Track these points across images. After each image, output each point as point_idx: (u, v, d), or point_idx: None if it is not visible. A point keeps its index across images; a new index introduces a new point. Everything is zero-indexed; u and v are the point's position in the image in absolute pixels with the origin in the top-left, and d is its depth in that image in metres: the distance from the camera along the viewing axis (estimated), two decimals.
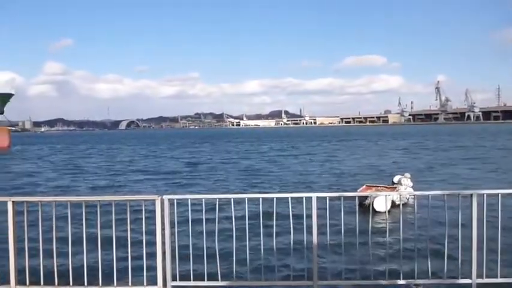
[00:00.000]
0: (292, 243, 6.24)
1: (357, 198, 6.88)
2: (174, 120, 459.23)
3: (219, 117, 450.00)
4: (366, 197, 14.93)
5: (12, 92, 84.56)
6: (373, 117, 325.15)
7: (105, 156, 59.91)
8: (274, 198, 6.17)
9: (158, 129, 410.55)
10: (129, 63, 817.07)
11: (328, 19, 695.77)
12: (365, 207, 13.84)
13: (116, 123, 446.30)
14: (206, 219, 6.05)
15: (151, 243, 5.70)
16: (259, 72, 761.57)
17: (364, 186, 20.28)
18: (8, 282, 5.73)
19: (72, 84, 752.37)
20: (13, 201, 5.75)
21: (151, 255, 5.71)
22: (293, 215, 5.89)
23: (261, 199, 6.05)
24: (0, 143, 78.54)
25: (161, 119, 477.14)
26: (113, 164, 46.96)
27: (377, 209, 14.75)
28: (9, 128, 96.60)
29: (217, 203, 6.02)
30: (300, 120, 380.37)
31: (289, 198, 6.01)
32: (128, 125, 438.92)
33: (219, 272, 5.85)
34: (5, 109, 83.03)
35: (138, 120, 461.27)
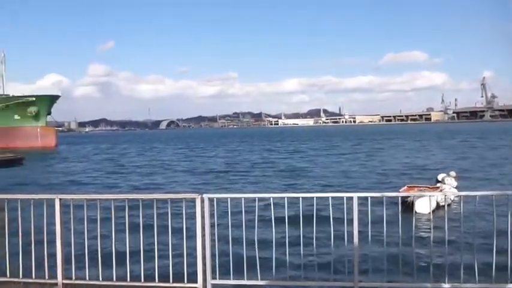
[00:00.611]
0: (332, 243, 6.14)
1: (399, 198, 6.68)
2: (213, 119, 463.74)
3: (257, 117, 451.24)
4: (408, 198, 14.56)
5: (59, 94, 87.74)
6: (415, 115, 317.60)
7: (145, 156, 61.19)
8: (314, 198, 6.10)
9: (197, 128, 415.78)
10: (171, 64, 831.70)
11: (368, 16, 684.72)
12: (407, 207, 13.49)
13: (157, 123, 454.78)
14: (246, 218, 6.05)
15: (192, 241, 5.76)
16: (297, 70, 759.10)
17: (405, 187, 19.78)
18: (55, 277, 5.93)
19: (115, 86, 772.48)
20: (60, 199, 5.94)
21: (192, 253, 5.76)
22: (334, 215, 5.81)
23: (301, 198, 5.99)
24: (48, 142, 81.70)
25: (200, 119, 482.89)
26: (153, 163, 47.88)
27: (419, 211, 14.32)
28: (56, 128, 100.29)
29: (256, 202, 6.01)
30: (339, 118, 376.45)
31: (330, 198, 5.92)
32: (168, 124, 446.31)
33: (258, 271, 5.84)
34: (52, 110, 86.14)
35: (178, 120, 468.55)
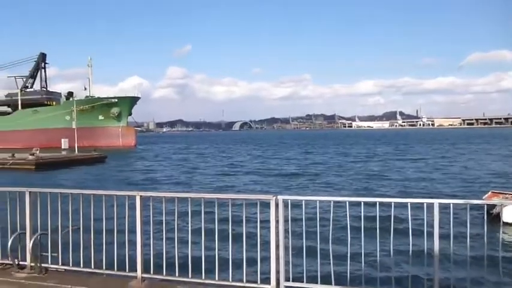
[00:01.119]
0: (411, 251, 5.84)
1: (485, 206, 6.19)
2: (286, 121, 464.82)
3: (330, 119, 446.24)
4: (494, 206, 13.63)
5: (139, 96, 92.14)
6: (500, 118, 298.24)
7: (219, 157, 62.50)
8: (392, 203, 5.83)
9: (270, 130, 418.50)
10: (245, 66, 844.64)
11: (449, 14, 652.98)
12: (493, 217, 12.60)
13: (230, 125, 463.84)
14: (320, 221, 5.93)
15: (266, 243, 5.75)
16: (373, 72, 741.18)
17: (489, 193, 18.57)
18: (135, 270, 6.17)
19: (191, 88, 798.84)
20: (141, 196, 6.18)
21: (266, 255, 5.76)
22: (413, 222, 5.53)
23: (377, 203, 5.77)
24: (128, 142, 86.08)
25: (273, 120, 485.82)
26: (227, 164, 48.77)
27: (506, 220, 13.35)
28: (136, 128, 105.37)
29: (331, 205, 5.87)
30: (416, 121, 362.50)
31: (409, 204, 5.63)
32: (241, 126, 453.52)
33: (332, 276, 5.71)
34: (132, 111, 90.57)
35: (250, 121, 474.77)
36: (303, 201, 5.88)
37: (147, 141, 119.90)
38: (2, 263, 6.86)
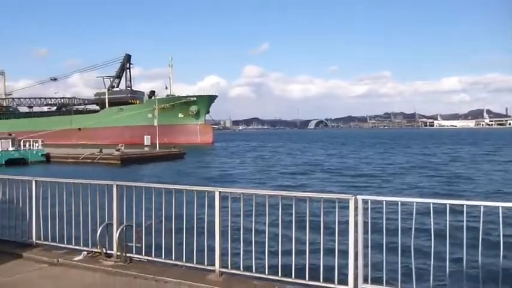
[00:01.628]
0: (501, 261, 5.40)
1: None
2: (363, 119, 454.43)
3: (410, 117, 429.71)
4: None
5: (217, 94, 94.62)
6: None
7: (294, 155, 62.42)
8: (481, 207, 5.42)
9: (346, 128, 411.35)
10: (321, 64, 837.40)
11: None
12: None
13: (305, 123, 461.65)
14: (401, 224, 5.70)
15: (344, 243, 5.62)
16: (458, 68, 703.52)
17: None
18: (213, 264, 6.31)
19: (267, 86, 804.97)
20: (220, 192, 6.31)
21: (344, 255, 5.63)
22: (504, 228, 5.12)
23: (465, 206, 5.41)
24: (206, 139, 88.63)
25: (349, 119, 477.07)
26: (302, 162, 48.59)
27: None
28: (213, 126, 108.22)
29: (414, 207, 5.61)
30: (505, 120, 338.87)
31: (500, 208, 5.22)
32: (317, 124, 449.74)
33: (414, 282, 5.47)
34: (210, 109, 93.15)
35: (326, 119, 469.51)
36: (384, 202, 5.67)
37: (223, 139, 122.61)
38: (92, 251, 7.31)
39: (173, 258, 6.71)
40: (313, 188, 27.72)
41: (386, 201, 5.70)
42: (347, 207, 5.57)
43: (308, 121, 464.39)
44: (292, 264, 5.98)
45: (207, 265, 6.42)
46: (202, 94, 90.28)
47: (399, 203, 5.66)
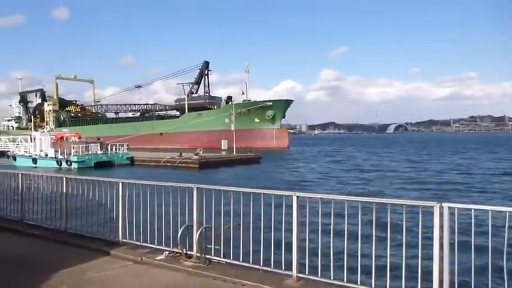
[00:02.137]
0: None
1: None
2: (446, 123, 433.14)
3: (499, 120, 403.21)
4: None
5: (292, 99, 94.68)
6: None
7: (372, 160, 60.77)
8: None
9: (428, 133, 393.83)
10: (401, 66, 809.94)
11: None
12: None
13: (384, 127, 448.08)
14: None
15: (428, 254, 5.34)
16: None
17: None
18: (291, 269, 6.27)
19: (344, 90, 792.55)
20: (297, 196, 6.26)
21: (428, 265, 5.34)
22: None
23: None
24: (282, 143, 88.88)
25: (431, 123, 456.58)
26: (380, 168, 47.19)
27: None
28: (289, 130, 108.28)
29: (507, 218, 5.17)
30: None
31: None
32: (396, 128, 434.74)
33: None
34: (286, 114, 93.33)
35: (406, 123, 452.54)
36: (472, 210, 5.31)
37: (299, 143, 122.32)
38: (173, 251, 7.56)
39: (251, 262, 6.75)
40: (394, 194, 26.78)
41: (475, 209, 5.34)
42: (431, 215, 5.30)
43: (387, 125, 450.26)
44: (372, 273, 5.79)
45: (284, 270, 6.39)
46: (278, 99, 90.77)
47: (490, 212, 5.27)
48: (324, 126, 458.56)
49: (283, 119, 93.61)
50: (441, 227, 5.20)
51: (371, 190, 29.13)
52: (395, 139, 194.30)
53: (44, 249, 8.57)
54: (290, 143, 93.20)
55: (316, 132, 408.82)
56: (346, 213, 5.97)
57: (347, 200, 6.10)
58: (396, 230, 5.75)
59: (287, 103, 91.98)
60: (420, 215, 5.43)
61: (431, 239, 5.30)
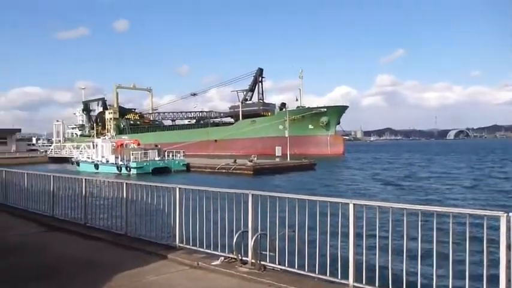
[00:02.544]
0: None
1: None
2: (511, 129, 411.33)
3: None
4: None
5: (347, 105, 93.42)
6: None
7: (430, 167, 58.66)
8: None
9: (491, 139, 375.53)
10: (461, 70, 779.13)
11: None
12: None
13: (443, 133, 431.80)
14: None
15: (494, 265, 5.06)
16: None
17: None
18: (347, 278, 6.14)
19: (401, 95, 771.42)
20: (354, 204, 6.14)
21: (494, 279, 5.06)
22: None
23: None
24: (336, 150, 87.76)
25: (495, 128, 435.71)
26: (438, 175, 45.50)
27: None
28: (344, 136, 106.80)
29: None
30: None
31: None
32: (457, 134, 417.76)
33: None
34: (340, 120, 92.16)
35: (467, 129, 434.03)
36: None
37: (355, 150, 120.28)
38: (228, 257, 7.62)
39: (306, 269, 6.68)
40: (455, 203, 25.70)
41: None
42: (497, 226, 5.02)
43: (446, 131, 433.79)
44: (433, 285, 5.56)
45: (341, 278, 6.27)
46: (333, 105, 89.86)
47: None
48: (380, 132, 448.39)
49: (337, 126, 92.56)
50: (508, 238, 4.92)
51: (431, 198, 28.11)
52: (456, 145, 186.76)
53: (106, 252, 8.90)
54: (345, 150, 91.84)
55: (371, 138, 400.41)
56: (405, 221, 5.77)
57: (406, 209, 5.89)
58: (459, 240, 5.50)
59: (342, 109, 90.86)
60: (485, 226, 5.16)
61: (496, 252, 5.02)
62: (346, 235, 6.24)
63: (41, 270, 7.62)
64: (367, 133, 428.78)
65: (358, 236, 6.18)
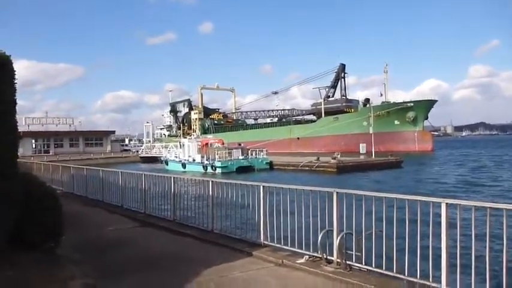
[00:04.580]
0: None
1: None
2: None
3: None
4: None
5: (436, 99, 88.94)
6: None
7: None
8: None
9: None
10: None
11: None
12: None
13: None
14: None
15: None
16: None
17: None
18: (439, 281, 5.83)
19: (497, 87, 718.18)
20: (447, 203, 5.80)
21: None
22: None
23: None
24: (425, 146, 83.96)
25: None
26: None
27: None
28: (432, 132, 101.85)
29: None
30: None
31: None
32: None
33: None
34: (428, 115, 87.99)
35: None
36: None
37: (444, 146, 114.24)
38: (313, 255, 7.55)
39: (394, 271, 6.43)
40: None
41: None
42: None
43: None
44: None
45: (432, 282, 5.96)
46: (420, 99, 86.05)
47: None
48: (473, 127, 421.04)
49: (425, 121, 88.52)
50: None
51: None
52: None
53: (194, 248, 9.22)
54: (434, 146, 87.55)
55: (463, 134, 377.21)
56: (504, 223, 5.34)
57: (506, 209, 5.44)
58: None
59: (430, 103, 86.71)
60: None
61: None
62: (438, 236, 5.93)
63: (138, 264, 8.09)
64: (458, 128, 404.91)
65: (451, 237, 5.85)
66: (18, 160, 7.83)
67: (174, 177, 11.97)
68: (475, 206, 5.72)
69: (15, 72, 7.33)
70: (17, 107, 7.50)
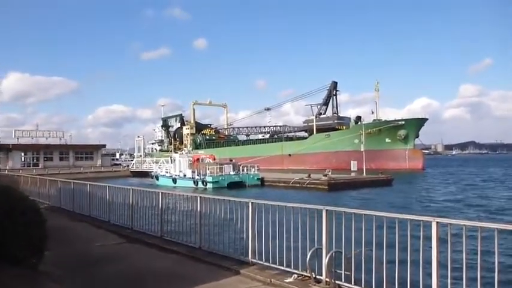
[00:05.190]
0: None
1: None
2: None
3: None
4: None
5: (426, 117, 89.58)
6: None
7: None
8: None
9: None
10: None
11: None
12: None
13: None
14: None
15: None
16: None
17: None
18: None
19: (486, 106, 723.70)
20: (437, 222, 5.71)
21: None
22: None
23: None
24: (415, 164, 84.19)
25: None
26: None
27: None
28: (423, 150, 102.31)
29: None
30: None
31: None
32: None
33: None
34: (419, 133, 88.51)
35: None
36: None
37: (435, 164, 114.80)
38: (302, 274, 7.40)
39: None
40: None
41: None
42: None
43: None
44: None
45: None
46: (411, 117, 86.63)
47: None
48: (463, 146, 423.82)
49: (416, 139, 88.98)
50: None
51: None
52: None
53: (181, 265, 9.04)
54: (425, 164, 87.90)
55: (453, 152, 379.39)
56: (496, 243, 5.24)
57: (497, 229, 5.34)
58: None
59: (421, 122, 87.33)
60: None
61: None
62: (428, 255, 5.82)
63: (122, 281, 7.89)
64: (448, 147, 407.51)
65: (441, 258, 5.74)
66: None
67: (162, 193, 11.80)
68: (465, 225, 5.62)
69: None
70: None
